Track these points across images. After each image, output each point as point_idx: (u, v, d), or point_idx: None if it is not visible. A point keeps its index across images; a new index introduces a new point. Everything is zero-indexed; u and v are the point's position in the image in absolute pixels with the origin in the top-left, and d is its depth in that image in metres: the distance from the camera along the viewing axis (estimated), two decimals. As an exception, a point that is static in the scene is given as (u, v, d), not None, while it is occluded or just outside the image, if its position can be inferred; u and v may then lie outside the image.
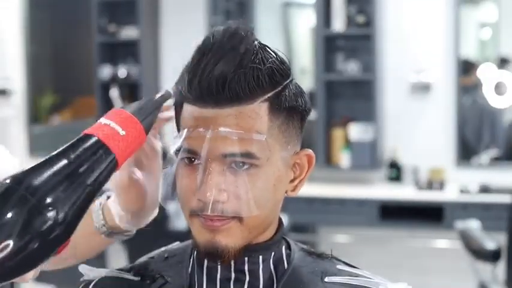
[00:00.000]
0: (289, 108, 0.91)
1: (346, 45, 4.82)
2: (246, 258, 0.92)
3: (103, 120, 0.79)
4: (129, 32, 5.14)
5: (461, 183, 4.51)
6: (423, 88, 4.68)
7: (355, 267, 0.99)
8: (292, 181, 0.95)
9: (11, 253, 0.66)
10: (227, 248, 0.88)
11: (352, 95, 4.81)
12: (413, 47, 4.73)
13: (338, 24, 4.66)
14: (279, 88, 0.89)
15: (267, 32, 5.24)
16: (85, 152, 0.75)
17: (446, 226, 4.20)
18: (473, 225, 3.61)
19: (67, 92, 5.73)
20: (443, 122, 4.70)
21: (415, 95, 4.72)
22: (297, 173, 0.96)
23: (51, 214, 0.69)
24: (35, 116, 5.72)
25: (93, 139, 0.76)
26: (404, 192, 4.49)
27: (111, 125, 0.77)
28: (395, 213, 4.40)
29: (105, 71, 5.06)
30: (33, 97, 5.66)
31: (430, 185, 4.50)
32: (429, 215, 4.34)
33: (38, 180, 0.69)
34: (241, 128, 0.86)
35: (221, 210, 0.87)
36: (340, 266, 0.98)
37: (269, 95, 0.88)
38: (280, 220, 0.98)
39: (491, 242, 3.39)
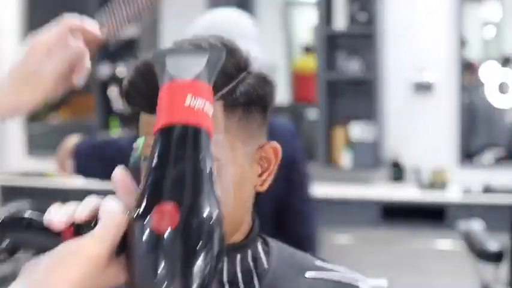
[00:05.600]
0: (246, 103, 0.88)
1: (348, 44, 4.79)
2: (225, 259, 0.91)
3: (192, 101, 0.70)
4: (128, 30, 5.12)
5: (463, 184, 4.48)
6: (425, 87, 4.66)
7: (331, 263, 1.00)
8: (260, 175, 0.94)
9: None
10: None
11: (353, 94, 4.78)
12: (416, 45, 4.70)
13: (340, 22, 4.64)
14: (233, 83, 0.87)
15: (268, 31, 5.22)
16: (196, 145, 0.68)
17: (449, 226, 4.17)
18: (476, 225, 3.59)
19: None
20: (446, 122, 4.67)
21: (418, 94, 4.69)
22: (264, 166, 0.94)
23: (214, 223, 0.66)
24: (33, 114, 5.69)
25: (192, 129, 0.69)
26: (407, 193, 4.47)
27: (205, 109, 0.69)
28: (397, 213, 4.38)
29: (104, 70, 5.04)
30: (32, 96, 5.63)
31: (432, 185, 4.47)
32: (431, 215, 4.31)
33: (192, 199, 0.65)
34: None
35: None
36: (318, 262, 0.99)
37: (221, 93, 0.86)
38: (253, 217, 0.97)
39: (494, 242, 3.37)
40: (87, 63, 0.86)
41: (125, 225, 0.67)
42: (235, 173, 0.88)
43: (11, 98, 0.83)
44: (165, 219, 0.63)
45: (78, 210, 0.68)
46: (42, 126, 5.76)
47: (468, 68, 4.74)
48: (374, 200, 4.40)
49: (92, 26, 0.85)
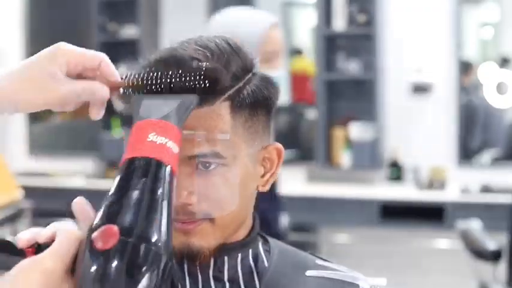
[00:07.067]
0: (252, 104, 0.90)
1: (347, 45, 4.81)
2: (226, 258, 0.93)
3: (154, 137, 0.76)
4: (129, 31, 5.13)
5: (462, 183, 4.50)
6: (424, 88, 4.67)
7: (332, 262, 1.00)
8: (262, 176, 0.95)
9: None
10: (202, 249, 0.89)
11: (353, 94, 4.80)
12: (415, 46, 4.72)
13: (339, 23, 4.65)
14: (240, 85, 0.88)
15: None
16: (153, 176, 0.74)
17: (447, 226, 4.19)
18: (474, 225, 3.61)
19: (67, 91, 5.72)
20: (444, 122, 4.69)
21: (416, 94, 4.71)
22: (267, 167, 0.95)
23: (161, 250, 0.70)
24: (35, 114, 5.71)
25: (153, 162, 0.75)
26: (405, 192, 4.48)
27: (166, 144, 0.76)
28: (396, 213, 4.39)
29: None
30: (33, 96, 5.64)
31: (431, 185, 4.48)
32: (430, 214, 4.33)
33: (138, 224, 0.70)
34: (204, 129, 0.86)
35: (191, 213, 0.87)
36: (319, 261, 0.99)
37: (228, 93, 0.88)
38: (254, 217, 0.98)
39: (492, 242, 3.38)
40: (103, 104, 0.88)
41: (77, 242, 0.73)
42: (239, 173, 0.89)
43: (17, 94, 0.82)
44: (106, 239, 0.68)
45: (41, 232, 0.75)
46: (44, 126, 5.77)
47: (467, 69, 4.76)
48: (373, 199, 4.41)
49: (114, 74, 0.88)
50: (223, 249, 0.92)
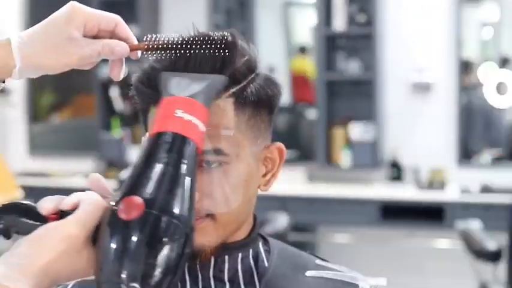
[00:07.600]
0: (256, 103, 0.90)
1: (347, 45, 4.81)
2: (227, 257, 0.93)
3: (182, 114, 0.77)
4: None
5: (462, 183, 4.50)
6: (424, 88, 4.67)
7: (331, 263, 1.00)
8: (264, 176, 0.95)
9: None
10: (203, 247, 0.89)
11: (353, 94, 4.80)
12: (415, 46, 4.72)
13: (339, 23, 4.65)
14: (244, 83, 0.89)
15: (267, 31, 5.24)
16: (178, 151, 0.75)
17: (447, 226, 4.19)
18: (474, 225, 3.61)
19: (67, 90, 5.72)
20: (444, 122, 4.69)
21: (416, 94, 4.71)
22: (269, 167, 0.95)
23: (182, 224, 0.71)
24: (35, 114, 5.71)
25: (180, 138, 0.76)
26: (405, 192, 4.48)
27: (193, 121, 0.77)
28: (396, 213, 4.39)
29: (105, 70, 5.05)
30: (33, 96, 5.64)
31: (431, 185, 4.49)
32: (430, 215, 4.33)
33: (161, 197, 0.71)
34: (207, 125, 0.85)
35: None
36: (318, 261, 1.00)
37: (233, 90, 0.88)
38: (254, 217, 0.98)
39: (492, 242, 3.39)
40: (122, 65, 0.90)
41: (101, 212, 0.74)
42: (242, 171, 0.89)
43: (40, 57, 0.84)
44: (131, 210, 0.69)
45: (65, 200, 0.76)
46: (44, 127, 5.77)
47: (467, 69, 4.76)
48: (373, 199, 4.41)
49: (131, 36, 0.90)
50: (224, 249, 0.92)
